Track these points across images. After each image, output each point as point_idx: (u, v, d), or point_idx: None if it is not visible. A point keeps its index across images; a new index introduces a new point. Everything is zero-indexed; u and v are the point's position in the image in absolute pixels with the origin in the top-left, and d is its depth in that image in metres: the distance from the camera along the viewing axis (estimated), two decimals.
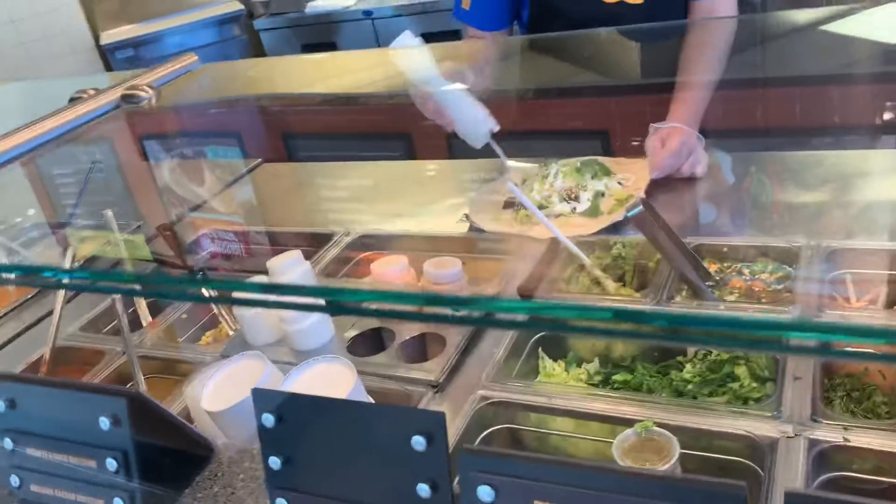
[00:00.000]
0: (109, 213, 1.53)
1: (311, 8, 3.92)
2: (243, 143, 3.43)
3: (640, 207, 1.31)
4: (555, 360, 1.32)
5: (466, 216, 1.65)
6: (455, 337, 1.29)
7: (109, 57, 4.03)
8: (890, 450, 0.93)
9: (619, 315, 0.61)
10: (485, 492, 0.58)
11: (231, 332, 1.49)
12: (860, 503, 0.50)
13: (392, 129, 3.19)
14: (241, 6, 4.14)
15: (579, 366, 1.31)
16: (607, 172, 1.65)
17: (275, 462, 0.73)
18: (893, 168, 1.65)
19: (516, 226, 1.57)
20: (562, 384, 1.24)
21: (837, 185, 1.52)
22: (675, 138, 1.57)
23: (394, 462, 0.66)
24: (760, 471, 0.95)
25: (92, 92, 0.71)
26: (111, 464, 0.77)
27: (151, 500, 0.81)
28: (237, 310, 1.38)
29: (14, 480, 0.84)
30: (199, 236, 1.86)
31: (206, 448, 0.88)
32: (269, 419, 0.72)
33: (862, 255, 1.27)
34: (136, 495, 0.79)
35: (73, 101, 0.72)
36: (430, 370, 1.22)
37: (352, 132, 3.24)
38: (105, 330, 1.59)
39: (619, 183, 1.63)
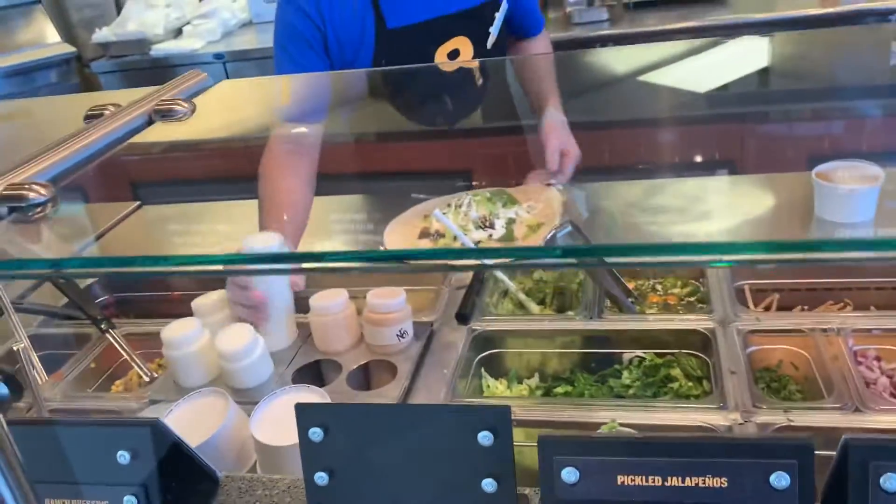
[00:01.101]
0: None
1: (156, 50, 3.78)
2: (87, 195, 3.20)
3: (570, 228, 1.40)
4: (496, 378, 1.37)
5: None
6: (404, 363, 1.30)
7: None
8: (827, 425, 1.06)
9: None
10: (570, 473, 0.62)
11: (146, 379, 1.39)
12: None
13: (246, 173, 3.12)
14: (72, 48, 3.91)
15: (521, 382, 1.36)
16: (514, 201, 1.74)
17: (321, 478, 0.71)
18: (738, 191, 1.85)
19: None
20: (516, 397, 1.29)
21: (698, 208, 1.69)
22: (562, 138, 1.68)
23: (456, 461, 0.67)
24: None
25: (112, 108, 0.67)
26: (129, 501, 0.71)
27: None
28: (167, 350, 1.30)
29: None
30: (90, 284, 1.73)
31: (213, 480, 0.83)
32: (316, 433, 0.70)
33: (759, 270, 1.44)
34: None
35: (89, 119, 0.67)
36: (387, 396, 1.22)
37: (208, 178, 3.14)
38: None
39: (528, 211, 1.73)
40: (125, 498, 0.71)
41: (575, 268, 1.41)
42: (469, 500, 0.69)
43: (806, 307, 1.38)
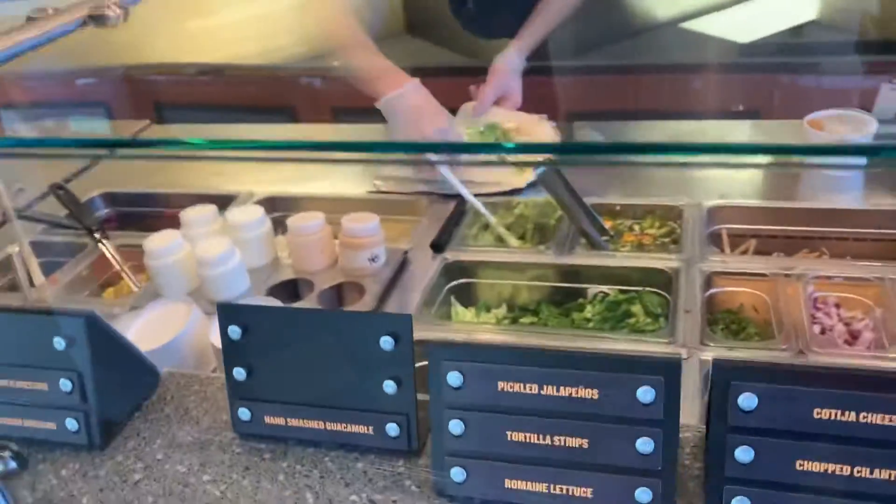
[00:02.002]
0: None
1: None
2: (112, 114, 3.28)
3: (544, 168, 1.42)
4: (466, 307, 1.40)
5: (376, 182, 1.70)
6: (373, 286, 1.34)
7: None
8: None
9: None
10: (454, 377, 0.65)
11: (135, 289, 1.46)
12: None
13: (275, 103, 3.15)
14: None
15: (489, 311, 1.40)
16: (506, 136, 1.75)
17: (239, 373, 0.76)
18: (756, 138, 1.84)
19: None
20: (479, 323, 1.32)
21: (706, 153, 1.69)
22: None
23: (360, 363, 0.71)
24: None
25: (52, 11, 0.71)
26: (65, 384, 0.77)
27: (104, 424, 0.81)
28: (149, 260, 1.36)
29: None
30: (92, 197, 1.80)
31: (153, 374, 0.89)
32: (235, 331, 0.75)
33: (738, 212, 1.44)
34: (90, 418, 0.79)
35: (30, 20, 0.71)
36: None
37: (231, 105, 3.18)
38: None
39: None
40: (61, 381, 0.77)
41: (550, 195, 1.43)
42: (371, 400, 0.73)
43: (782, 254, 1.38)
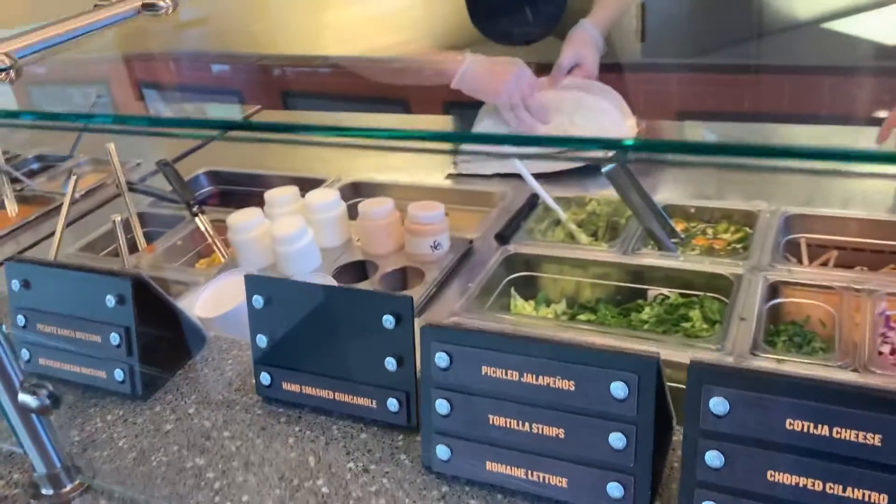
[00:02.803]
0: (111, 146, 1.61)
1: None
2: (243, 99, 3.49)
3: (615, 164, 1.40)
4: (526, 300, 1.42)
5: (455, 164, 1.74)
6: (433, 272, 1.38)
7: None
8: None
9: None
10: (441, 358, 0.68)
11: (223, 260, 1.57)
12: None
13: (389, 94, 3.25)
14: None
15: (548, 306, 1.40)
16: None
17: (261, 340, 0.82)
18: (858, 146, 1.74)
19: None
20: (531, 316, 1.33)
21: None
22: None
23: (366, 339, 0.75)
24: None
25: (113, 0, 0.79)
26: (114, 338, 0.86)
27: (147, 377, 0.90)
28: (231, 235, 1.46)
29: (24, 354, 0.93)
30: (197, 174, 1.95)
31: (200, 337, 0.97)
32: (258, 300, 0.81)
33: (816, 220, 1.37)
34: (134, 370, 0.88)
35: (96, 6, 0.80)
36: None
37: (349, 95, 3.31)
38: (103, 253, 1.67)
39: None
40: (111, 335, 0.86)
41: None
42: (375, 375, 0.77)
43: (865, 268, 1.30)
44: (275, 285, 0.81)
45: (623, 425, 0.63)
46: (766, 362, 1.06)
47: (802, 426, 0.57)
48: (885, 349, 1.12)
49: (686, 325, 1.25)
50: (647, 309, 1.31)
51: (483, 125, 1.74)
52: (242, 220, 1.46)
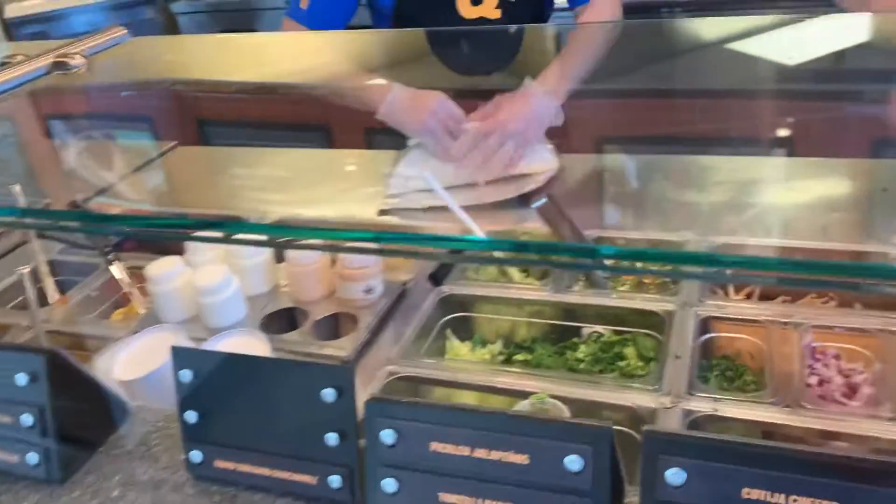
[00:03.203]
0: (17, 187, 1.51)
1: None
2: (155, 128, 3.37)
3: (545, 199, 1.40)
4: (462, 341, 1.40)
5: (387, 200, 1.71)
6: (367, 317, 1.34)
7: (14, 31, 3.88)
8: (753, 419, 1.04)
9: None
10: (388, 435, 0.64)
11: (142, 311, 1.49)
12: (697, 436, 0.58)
13: (310, 121, 3.20)
14: None
15: (484, 346, 1.39)
16: None
17: (191, 416, 0.77)
18: (778, 175, 1.80)
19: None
20: (466, 361, 1.31)
21: (729, 188, 1.65)
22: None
23: (304, 413, 0.71)
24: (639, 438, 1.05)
25: (21, 57, 0.73)
26: (27, 419, 0.79)
27: (65, 458, 0.83)
28: (150, 286, 1.39)
29: None
30: (112, 215, 1.85)
31: (123, 408, 0.91)
32: (186, 375, 0.76)
33: (742, 249, 1.40)
34: (50, 452, 0.81)
35: (2, 65, 0.74)
36: (342, 347, 1.27)
37: (269, 122, 3.24)
38: (10, 305, 1.56)
39: None
40: (22, 416, 0.79)
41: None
42: (315, 450, 0.73)
43: (788, 298, 1.34)
44: (203, 358, 0.76)
45: (578, 499, 0.61)
46: (703, 402, 1.07)
47: (760, 495, 0.56)
48: (813, 381, 1.15)
49: (622, 363, 1.25)
50: (582, 347, 1.32)
51: (411, 156, 1.72)
52: (161, 270, 1.39)
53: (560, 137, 1.80)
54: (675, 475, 0.58)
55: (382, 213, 1.72)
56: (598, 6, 1.76)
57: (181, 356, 0.76)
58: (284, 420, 0.74)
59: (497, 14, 1.76)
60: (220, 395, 0.75)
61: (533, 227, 1.57)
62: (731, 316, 1.24)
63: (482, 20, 1.77)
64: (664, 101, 2.70)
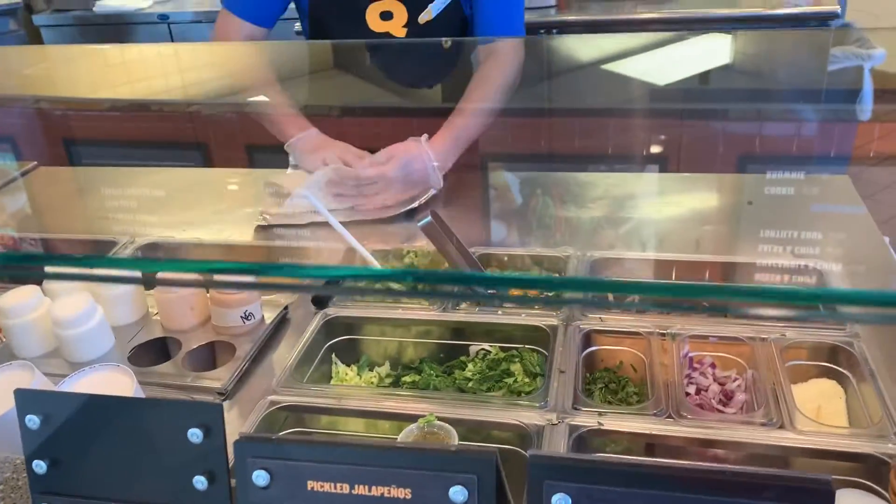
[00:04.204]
0: None
1: (100, 7, 3.69)
2: (18, 148, 3.14)
3: (429, 218, 1.39)
4: (348, 365, 1.35)
5: (264, 215, 1.65)
6: (246, 345, 1.28)
7: None
8: (636, 431, 1.05)
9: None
10: (260, 476, 0.60)
11: None
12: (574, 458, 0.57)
13: (187, 139, 3.08)
14: None
15: (371, 370, 1.35)
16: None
17: (40, 466, 0.69)
18: (653, 190, 1.87)
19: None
20: (351, 387, 1.27)
21: (607, 203, 1.70)
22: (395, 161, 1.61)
23: (169, 456, 0.66)
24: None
25: None
26: None
27: None
28: (2, 318, 1.27)
29: None
30: None
31: None
32: (33, 421, 0.68)
33: (620, 263, 1.43)
34: None
35: None
36: (218, 378, 1.21)
37: (143, 140, 3.09)
38: None
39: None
40: None
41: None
42: (182, 495, 0.67)
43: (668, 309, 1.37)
44: (52, 400, 0.69)
45: None
46: (588, 417, 1.08)
47: (331, 486, 0.56)
48: (692, 390, 1.18)
49: (509, 380, 1.24)
50: (469, 366, 1.30)
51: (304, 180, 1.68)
52: (16, 301, 1.27)
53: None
54: (560, 500, 0.56)
55: (262, 227, 1.66)
56: (503, 56, 1.78)
57: (27, 399, 0.69)
58: (147, 465, 0.68)
59: (403, 33, 1.75)
60: (74, 440, 0.68)
61: (418, 245, 1.55)
62: (613, 329, 1.26)
63: (388, 36, 1.76)
64: (545, 119, 2.77)
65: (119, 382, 1.02)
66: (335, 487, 0.60)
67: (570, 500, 0.56)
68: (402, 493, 0.58)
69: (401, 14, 1.65)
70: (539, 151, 2.73)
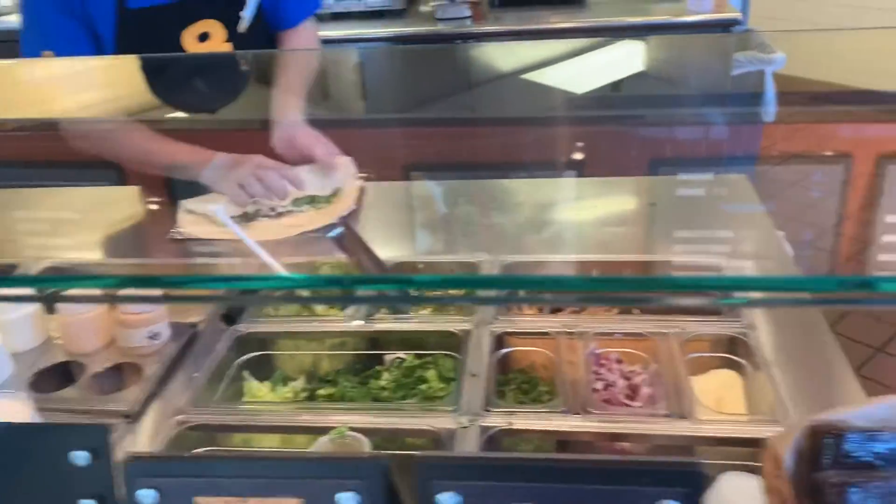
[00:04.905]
0: None
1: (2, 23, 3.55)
2: None
3: (341, 229, 1.39)
4: (261, 381, 1.34)
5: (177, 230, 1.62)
6: (153, 365, 1.25)
7: None
8: (546, 429, 1.07)
9: None
10: (147, 495, 0.59)
11: None
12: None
13: (102, 159, 2.99)
14: None
15: (286, 384, 1.34)
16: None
17: None
18: (569, 195, 1.92)
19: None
20: (264, 402, 1.26)
21: (523, 209, 1.73)
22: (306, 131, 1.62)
23: (55, 481, 0.64)
24: None
25: None
26: None
27: None
28: None
29: None
30: None
31: None
32: None
33: (532, 267, 1.46)
34: None
35: None
36: (124, 400, 1.17)
37: (54, 161, 2.99)
38: None
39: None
40: None
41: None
42: None
43: (575, 310, 1.40)
44: None
45: None
46: (498, 418, 1.09)
47: (222, 501, 0.58)
48: (599, 385, 1.21)
49: (423, 387, 1.25)
50: (385, 374, 1.30)
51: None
52: None
53: (366, 167, 1.81)
54: (449, 498, 0.57)
55: (173, 241, 1.63)
56: (303, 34, 1.81)
57: None
58: (34, 490, 0.65)
59: (228, 48, 1.72)
60: None
61: (334, 258, 1.55)
62: (524, 330, 1.28)
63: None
64: (467, 128, 2.79)
65: (13, 410, 0.98)
66: (226, 501, 0.59)
67: (457, 497, 0.57)
68: (293, 502, 0.58)
69: (218, 32, 1.61)
70: (461, 160, 2.76)
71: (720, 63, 2.29)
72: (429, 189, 2.07)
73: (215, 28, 1.62)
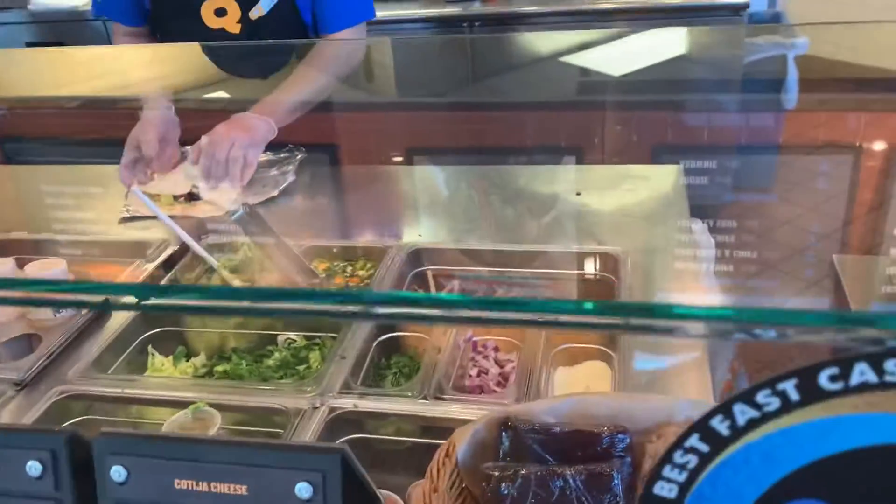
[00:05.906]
0: None
1: (35, 5, 3.73)
2: None
3: (241, 211, 1.42)
4: (167, 355, 1.39)
5: (127, 207, 1.69)
6: (56, 337, 1.31)
7: None
8: (386, 412, 1.09)
9: None
10: (117, 472, 0.62)
11: None
12: None
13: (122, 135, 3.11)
14: None
15: (187, 360, 1.38)
16: None
17: None
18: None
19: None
20: (151, 376, 1.31)
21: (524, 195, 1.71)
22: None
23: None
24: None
25: None
26: None
27: None
28: None
29: None
30: None
31: None
32: None
33: (438, 253, 1.46)
34: None
35: None
36: (18, 368, 1.24)
37: (82, 138, 3.12)
38: None
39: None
40: None
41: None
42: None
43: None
44: None
45: None
46: (349, 399, 1.11)
47: (188, 485, 0.59)
48: (474, 372, 1.22)
49: (302, 367, 1.28)
50: (276, 354, 1.33)
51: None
52: None
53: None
54: (117, 472, 0.59)
55: (124, 220, 1.70)
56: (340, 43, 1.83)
57: None
58: None
59: (237, 29, 1.79)
60: None
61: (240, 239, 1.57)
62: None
63: (223, 31, 1.80)
64: (462, 113, 2.79)
65: None
66: (197, 485, 0.61)
67: (125, 471, 0.60)
68: (239, 489, 0.60)
69: (234, 11, 1.69)
70: (466, 145, 2.76)
71: (738, 50, 2.23)
72: (429, 171, 2.07)
73: (232, 7, 1.72)
